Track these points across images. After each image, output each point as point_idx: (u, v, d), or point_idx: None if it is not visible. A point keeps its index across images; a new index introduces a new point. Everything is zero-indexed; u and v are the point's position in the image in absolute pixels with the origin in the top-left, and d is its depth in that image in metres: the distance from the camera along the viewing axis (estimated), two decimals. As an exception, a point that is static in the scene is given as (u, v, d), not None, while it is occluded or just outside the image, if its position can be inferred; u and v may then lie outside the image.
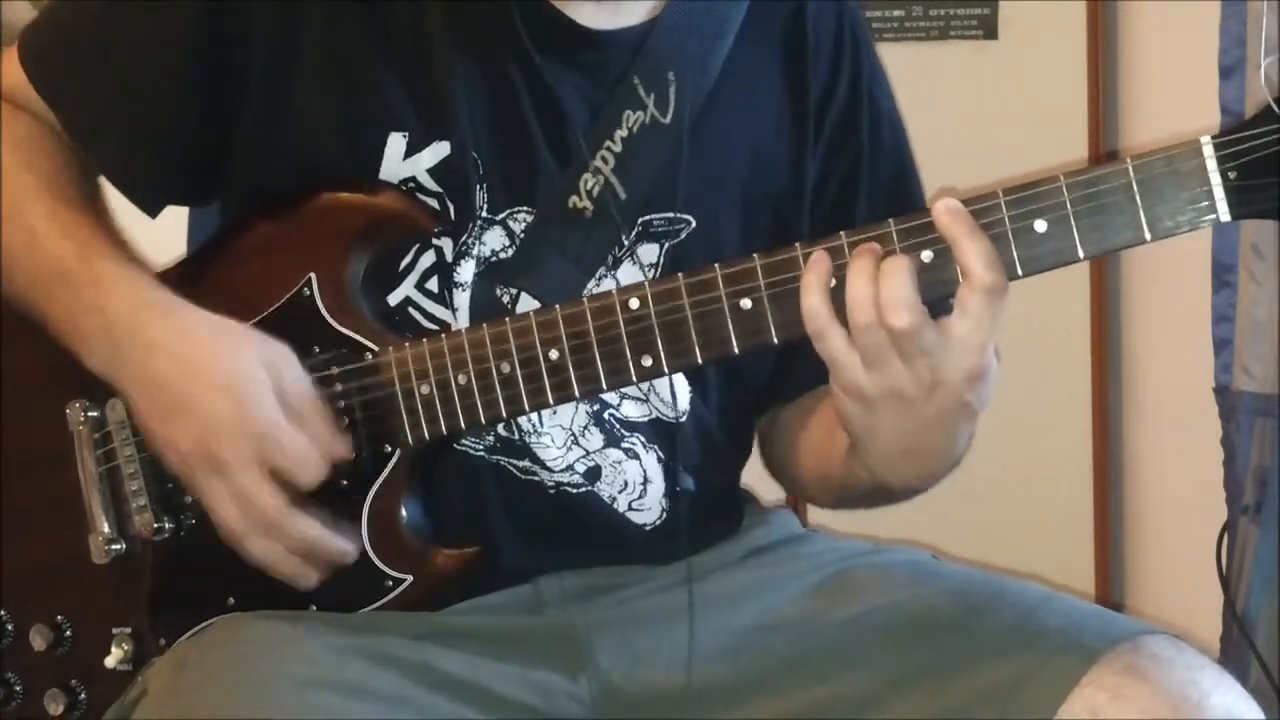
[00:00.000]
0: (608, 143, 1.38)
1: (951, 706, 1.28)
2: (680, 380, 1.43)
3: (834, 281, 1.21)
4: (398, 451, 1.35)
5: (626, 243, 1.40)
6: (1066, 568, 2.53)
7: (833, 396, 1.24)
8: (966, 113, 2.58)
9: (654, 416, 1.44)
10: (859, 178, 1.50)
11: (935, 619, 1.34)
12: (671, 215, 1.41)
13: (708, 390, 1.46)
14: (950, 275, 1.19)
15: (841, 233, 1.22)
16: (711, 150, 1.43)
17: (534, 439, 1.39)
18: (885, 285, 1.17)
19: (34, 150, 1.42)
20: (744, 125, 1.46)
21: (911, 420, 1.21)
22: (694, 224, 1.42)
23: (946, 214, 1.18)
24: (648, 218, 1.41)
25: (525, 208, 1.39)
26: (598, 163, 1.37)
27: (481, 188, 1.38)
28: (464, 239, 1.38)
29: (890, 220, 1.21)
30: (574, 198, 1.38)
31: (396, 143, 1.37)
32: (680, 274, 1.28)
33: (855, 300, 1.18)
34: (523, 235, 1.38)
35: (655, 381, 1.41)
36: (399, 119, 1.36)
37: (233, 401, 1.30)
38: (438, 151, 1.37)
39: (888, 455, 1.26)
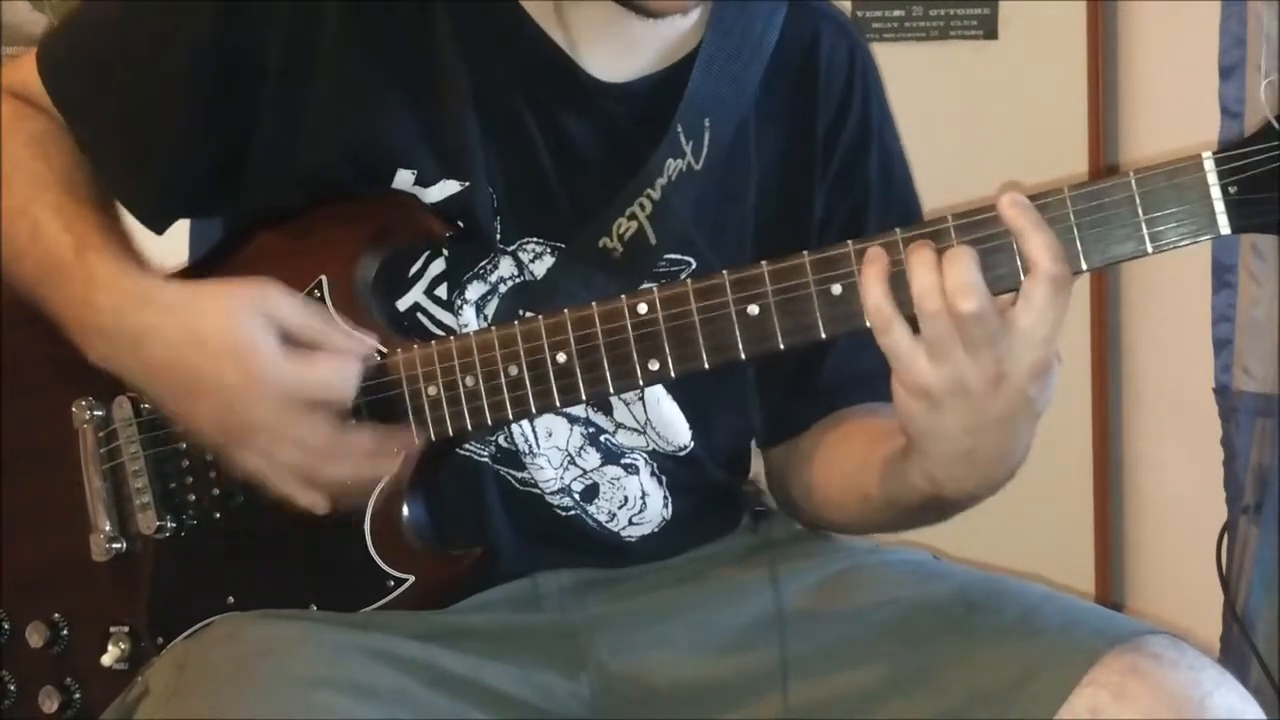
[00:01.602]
0: (648, 190, 1.39)
1: (952, 706, 1.28)
2: (680, 415, 1.44)
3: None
4: (403, 453, 1.35)
5: None
6: (1066, 568, 2.53)
7: (895, 397, 1.22)
8: (966, 113, 2.58)
9: (651, 448, 1.45)
10: (866, 216, 1.49)
11: (936, 618, 1.34)
12: (677, 256, 1.42)
13: (709, 425, 1.46)
14: (1001, 273, 1.19)
15: (897, 230, 1.21)
16: (726, 192, 1.44)
17: (529, 459, 1.40)
18: (951, 271, 1.16)
19: (50, 144, 1.43)
20: (756, 163, 1.46)
21: (975, 418, 1.20)
22: (694, 265, 1.42)
23: (1012, 207, 1.18)
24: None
25: (535, 239, 1.40)
26: (634, 208, 1.39)
27: (496, 220, 1.39)
28: (482, 264, 1.39)
29: (949, 215, 1.20)
30: (605, 239, 1.39)
31: (404, 177, 1.37)
32: (689, 280, 1.28)
33: (922, 289, 1.17)
34: (548, 266, 1.40)
35: (653, 416, 1.43)
36: (408, 156, 1.37)
37: (238, 363, 1.29)
38: (445, 189, 1.38)
39: (949, 458, 1.23)
